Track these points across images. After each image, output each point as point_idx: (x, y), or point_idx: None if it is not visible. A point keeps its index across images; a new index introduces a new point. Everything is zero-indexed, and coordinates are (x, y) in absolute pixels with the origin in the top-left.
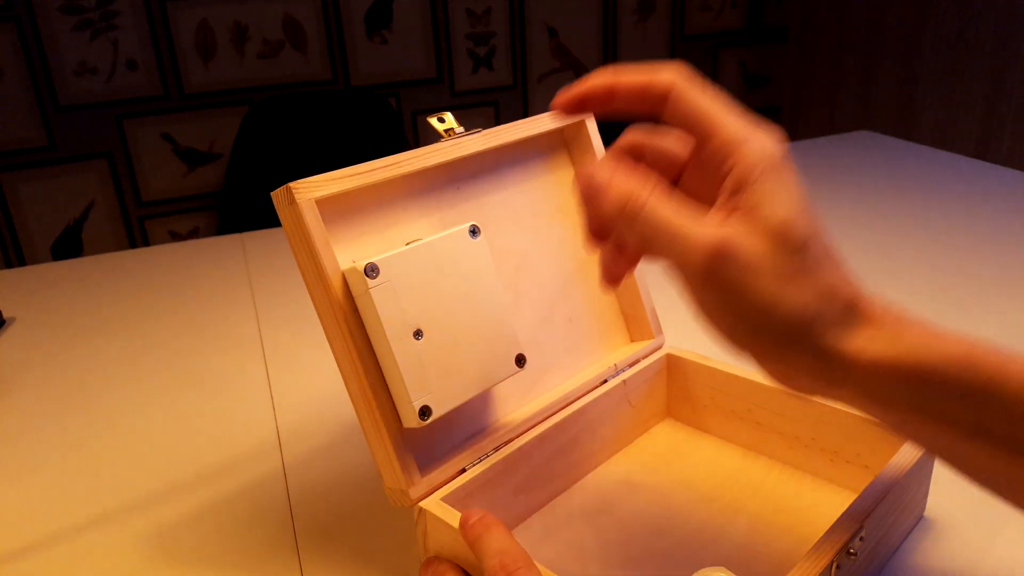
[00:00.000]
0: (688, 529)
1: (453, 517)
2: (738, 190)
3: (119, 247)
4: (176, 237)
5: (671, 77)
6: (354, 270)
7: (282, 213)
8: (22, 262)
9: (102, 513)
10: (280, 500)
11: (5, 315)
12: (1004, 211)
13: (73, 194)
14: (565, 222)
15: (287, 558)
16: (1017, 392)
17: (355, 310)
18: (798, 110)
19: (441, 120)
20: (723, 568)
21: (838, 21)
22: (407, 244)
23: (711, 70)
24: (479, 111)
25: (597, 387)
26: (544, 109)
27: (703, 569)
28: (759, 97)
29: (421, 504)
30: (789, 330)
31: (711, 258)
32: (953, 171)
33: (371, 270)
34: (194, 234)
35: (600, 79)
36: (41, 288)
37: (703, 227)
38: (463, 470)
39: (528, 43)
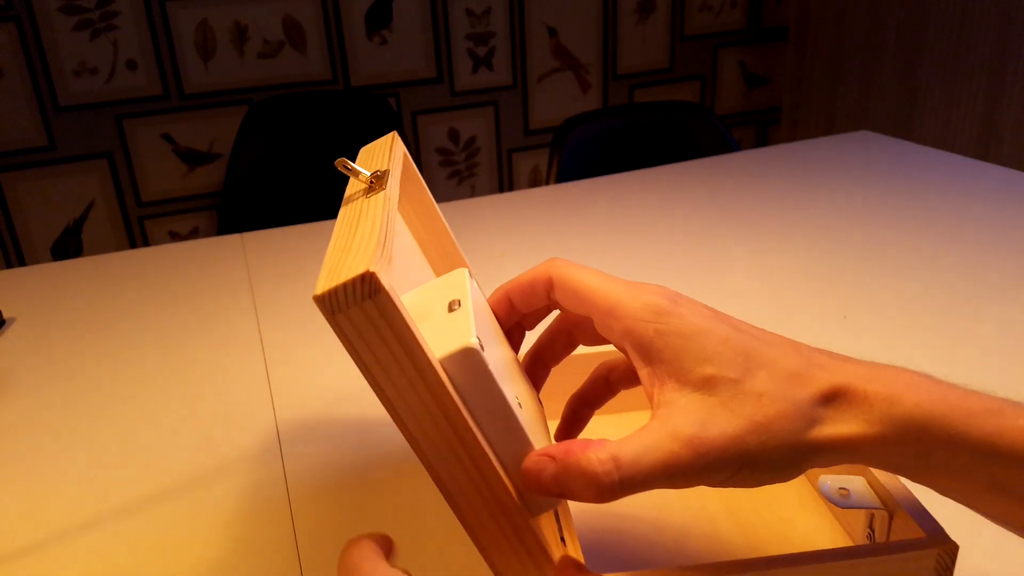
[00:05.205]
0: (689, 528)
1: None
2: (646, 354)
3: (119, 247)
4: (176, 237)
5: (547, 264)
6: (471, 349)
7: (348, 315)
8: (22, 262)
9: (102, 513)
10: (280, 500)
11: (5, 315)
12: (1004, 211)
13: (73, 194)
14: None
15: (287, 558)
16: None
17: (463, 399)
18: (798, 110)
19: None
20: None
21: (838, 21)
22: (451, 310)
23: (711, 70)
24: (479, 111)
25: None
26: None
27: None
28: (759, 97)
29: None
30: (792, 451)
31: (691, 453)
32: (953, 171)
33: (482, 346)
34: (194, 234)
35: (496, 294)
36: (41, 288)
37: (668, 442)
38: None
39: (528, 43)
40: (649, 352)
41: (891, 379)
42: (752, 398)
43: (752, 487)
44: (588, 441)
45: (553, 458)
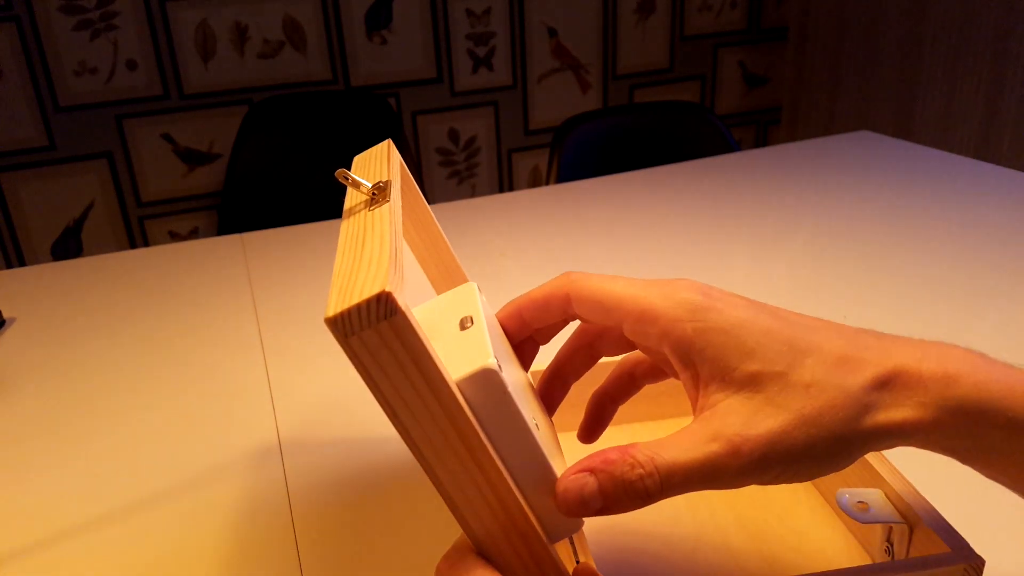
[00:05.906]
0: (702, 543)
1: None
2: (686, 355)
3: (119, 247)
4: (176, 237)
5: (563, 279)
6: (490, 370)
7: (362, 337)
8: (22, 262)
9: (102, 513)
10: (280, 500)
11: (5, 315)
12: (1004, 211)
13: (73, 194)
14: None
15: (287, 558)
16: None
17: (479, 422)
18: (798, 110)
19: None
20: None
21: (838, 21)
22: (463, 328)
23: (711, 70)
24: (479, 111)
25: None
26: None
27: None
28: (759, 97)
29: None
30: (844, 441)
31: (733, 453)
32: (953, 171)
33: (500, 367)
34: (194, 234)
35: (506, 309)
36: (41, 288)
37: (708, 442)
38: None
39: (528, 43)
40: (690, 352)
41: (943, 356)
42: (800, 389)
43: (803, 481)
44: (622, 448)
45: (592, 471)
